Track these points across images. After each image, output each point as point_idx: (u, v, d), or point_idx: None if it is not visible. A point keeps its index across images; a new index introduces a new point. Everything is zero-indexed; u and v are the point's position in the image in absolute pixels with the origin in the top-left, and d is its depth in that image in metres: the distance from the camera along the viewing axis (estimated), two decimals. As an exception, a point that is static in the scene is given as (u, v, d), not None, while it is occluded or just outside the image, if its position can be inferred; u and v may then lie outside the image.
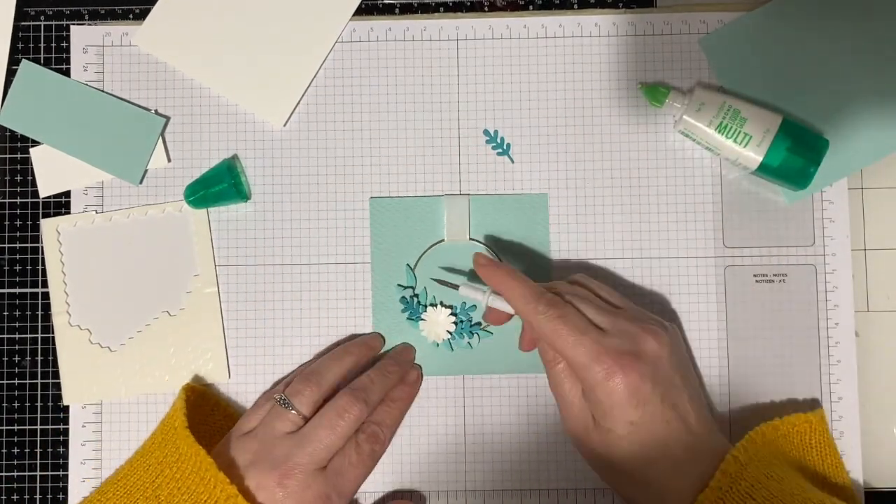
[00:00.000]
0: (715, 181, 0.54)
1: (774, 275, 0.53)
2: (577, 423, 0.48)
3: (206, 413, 0.52)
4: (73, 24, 0.55)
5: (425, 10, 0.55)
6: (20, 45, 0.55)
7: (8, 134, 0.55)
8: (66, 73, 0.55)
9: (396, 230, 0.54)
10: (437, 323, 0.53)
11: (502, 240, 0.53)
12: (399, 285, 0.53)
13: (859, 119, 0.53)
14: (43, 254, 0.54)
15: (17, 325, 0.54)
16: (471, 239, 0.53)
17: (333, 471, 0.47)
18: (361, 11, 0.55)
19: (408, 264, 0.53)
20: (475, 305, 0.53)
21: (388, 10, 0.55)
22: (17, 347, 0.54)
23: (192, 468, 0.46)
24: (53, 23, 0.55)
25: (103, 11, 0.55)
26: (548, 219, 0.53)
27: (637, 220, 0.54)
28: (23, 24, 0.55)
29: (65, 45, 0.55)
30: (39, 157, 0.54)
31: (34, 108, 0.54)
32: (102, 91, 0.54)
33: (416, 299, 0.53)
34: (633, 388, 0.45)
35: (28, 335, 0.54)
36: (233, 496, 0.44)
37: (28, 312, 0.54)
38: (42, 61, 0.55)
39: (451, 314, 0.53)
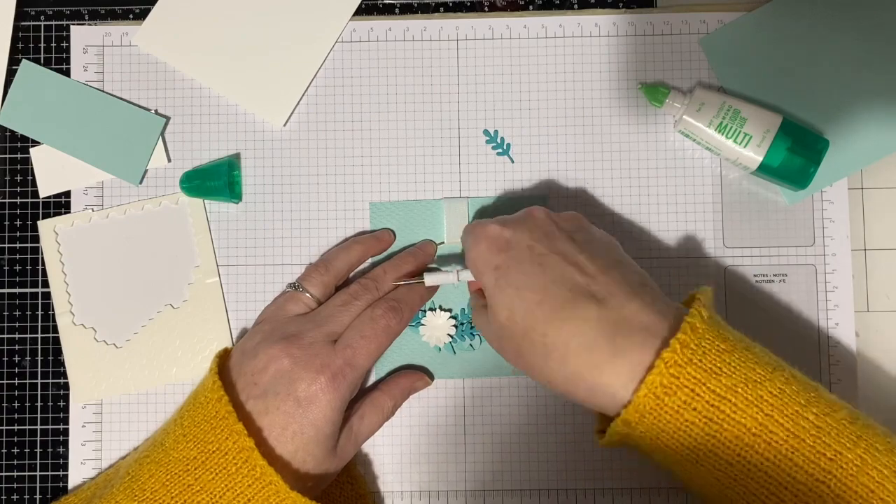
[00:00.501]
0: (715, 181, 0.54)
1: (774, 275, 0.53)
2: (489, 332, 0.47)
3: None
4: (73, 24, 0.55)
5: (425, 10, 0.55)
6: (20, 45, 0.55)
7: (8, 134, 0.55)
8: (67, 73, 0.55)
9: (397, 233, 0.54)
10: (437, 327, 0.53)
11: None
12: None
13: (859, 119, 0.53)
14: (42, 255, 0.54)
15: (17, 325, 0.54)
16: None
17: (343, 343, 0.47)
18: (361, 11, 0.55)
19: None
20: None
21: (388, 11, 0.55)
22: (17, 347, 0.54)
23: (231, 448, 0.45)
24: (53, 23, 0.55)
25: (103, 11, 0.55)
26: None
27: (637, 220, 0.54)
28: (23, 24, 0.55)
29: (65, 45, 0.55)
30: (39, 157, 0.54)
31: (34, 108, 0.54)
32: (102, 91, 0.54)
33: None
34: (490, 238, 0.45)
35: (28, 335, 0.54)
36: (275, 483, 0.44)
37: (28, 312, 0.54)
38: (42, 61, 0.55)
39: (451, 317, 0.53)
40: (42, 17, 0.55)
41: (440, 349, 0.53)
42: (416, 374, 0.52)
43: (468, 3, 0.55)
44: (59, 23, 0.55)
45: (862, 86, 0.53)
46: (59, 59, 0.55)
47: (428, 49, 0.55)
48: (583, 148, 0.54)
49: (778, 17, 0.54)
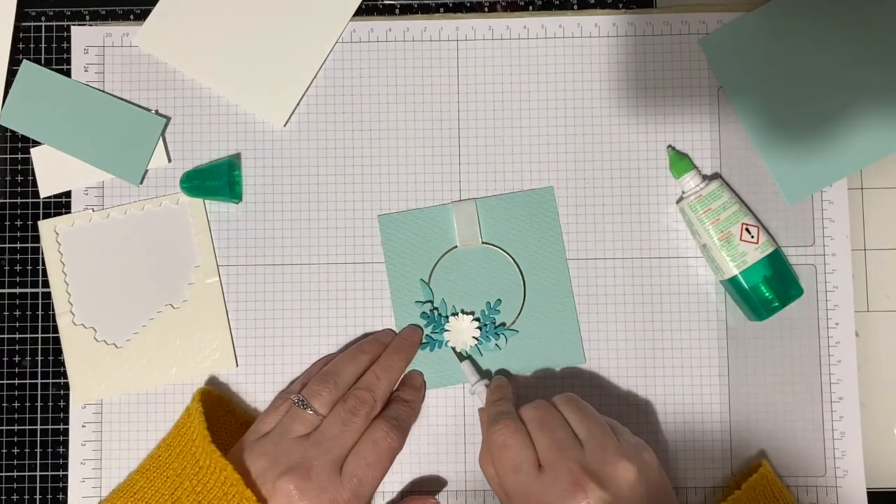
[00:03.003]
0: (715, 181, 0.54)
1: (774, 275, 0.53)
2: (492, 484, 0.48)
3: (221, 417, 0.52)
4: (74, 25, 0.55)
5: (425, 10, 0.55)
6: (21, 46, 0.55)
7: (9, 134, 0.55)
8: (67, 73, 0.55)
9: (408, 244, 0.53)
10: (462, 331, 0.53)
11: (514, 238, 0.53)
12: (417, 302, 0.53)
13: (859, 119, 0.53)
14: (43, 255, 0.54)
15: (17, 325, 0.54)
16: (483, 243, 0.53)
17: (349, 474, 0.47)
18: (362, 12, 0.55)
19: (422, 279, 0.53)
20: (498, 309, 0.53)
21: (388, 11, 0.55)
22: (17, 347, 0.54)
23: (214, 482, 0.45)
24: (54, 23, 0.55)
25: (104, 12, 0.55)
26: (557, 211, 0.53)
27: (637, 219, 0.54)
28: (24, 24, 0.55)
29: (66, 45, 0.55)
30: (40, 157, 0.54)
31: (35, 108, 0.54)
32: (103, 91, 0.54)
33: (436, 312, 0.53)
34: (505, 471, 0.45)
35: (28, 335, 0.54)
36: None
37: (28, 312, 0.54)
38: (43, 62, 0.55)
39: (475, 319, 0.53)
40: (43, 18, 0.55)
41: (467, 353, 0.53)
42: (423, 499, 0.51)
43: (468, 4, 0.55)
44: (60, 23, 0.55)
45: (862, 86, 0.53)
46: (59, 60, 0.55)
47: (428, 49, 0.55)
48: (582, 148, 0.54)
49: (777, 17, 0.54)
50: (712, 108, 0.54)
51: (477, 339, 0.53)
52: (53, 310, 0.53)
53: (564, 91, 0.54)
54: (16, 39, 0.55)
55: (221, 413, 0.52)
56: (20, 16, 0.55)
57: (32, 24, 0.55)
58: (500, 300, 0.53)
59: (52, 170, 0.54)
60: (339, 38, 0.55)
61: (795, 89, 0.53)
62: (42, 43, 0.55)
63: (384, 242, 0.54)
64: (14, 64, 0.55)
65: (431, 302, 0.53)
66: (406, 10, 0.55)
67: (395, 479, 0.52)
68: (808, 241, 0.53)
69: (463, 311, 0.53)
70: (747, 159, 0.54)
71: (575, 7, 0.55)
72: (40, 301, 0.54)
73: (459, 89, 0.54)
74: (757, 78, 0.53)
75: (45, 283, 0.54)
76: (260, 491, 0.45)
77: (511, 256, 0.53)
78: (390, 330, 0.53)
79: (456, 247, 0.53)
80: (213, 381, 0.53)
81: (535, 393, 0.53)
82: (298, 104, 0.54)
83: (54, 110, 0.54)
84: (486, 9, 0.55)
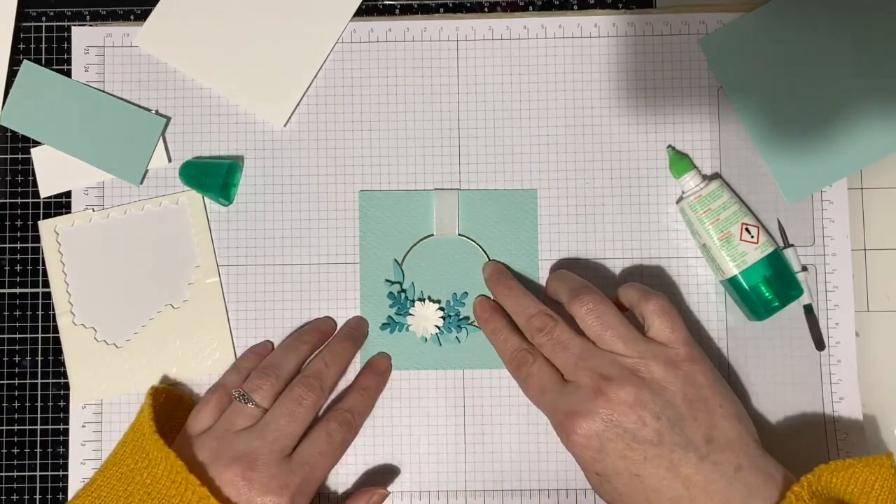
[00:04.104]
0: (715, 181, 0.54)
1: (774, 275, 0.53)
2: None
3: (170, 410, 0.51)
4: (75, 25, 0.55)
5: (425, 10, 0.55)
6: (21, 46, 0.55)
7: (9, 134, 0.55)
8: (68, 73, 0.55)
9: (385, 224, 0.54)
10: (425, 318, 0.53)
11: (491, 235, 0.53)
12: (387, 281, 0.53)
13: (859, 119, 0.53)
14: (43, 255, 0.54)
15: (17, 325, 0.54)
16: (460, 234, 0.53)
17: (301, 461, 0.47)
18: (362, 12, 0.55)
19: (395, 259, 0.53)
20: (463, 301, 0.53)
21: (388, 11, 0.55)
22: (17, 347, 0.54)
23: (162, 472, 0.45)
24: (55, 24, 0.55)
25: (104, 12, 0.55)
26: (537, 214, 0.54)
27: (637, 219, 0.54)
28: (24, 24, 0.55)
29: (66, 45, 0.55)
30: (40, 157, 0.54)
31: (35, 108, 0.54)
32: (103, 91, 0.54)
33: (403, 294, 0.53)
34: (579, 447, 0.45)
35: (28, 335, 0.54)
36: (205, 497, 0.43)
37: (28, 312, 0.54)
38: (43, 62, 0.55)
39: (440, 308, 0.53)
40: (43, 18, 0.55)
41: (426, 340, 0.53)
42: (371, 491, 0.50)
43: (468, 4, 0.55)
44: (61, 24, 0.55)
45: (861, 86, 0.53)
46: (60, 60, 0.55)
47: (428, 49, 0.55)
48: (582, 148, 0.54)
49: (777, 17, 0.54)
50: (712, 108, 0.54)
51: (439, 328, 0.53)
52: (53, 310, 0.54)
53: (564, 91, 0.54)
54: (16, 40, 0.55)
55: (181, 413, 0.52)
56: (21, 16, 0.55)
57: (33, 24, 0.55)
58: (466, 293, 0.53)
59: (52, 170, 0.54)
60: (339, 38, 0.55)
61: (795, 89, 0.53)
62: (42, 43, 0.55)
63: (362, 218, 0.54)
64: (14, 64, 0.55)
65: (401, 284, 0.53)
66: (406, 10, 0.55)
67: (396, 479, 0.52)
68: (808, 241, 0.53)
69: (430, 299, 0.53)
70: (747, 159, 0.54)
71: (575, 7, 0.55)
72: (40, 301, 0.54)
73: (459, 89, 0.55)
74: (757, 78, 0.53)
75: (45, 283, 0.54)
76: (209, 483, 0.45)
77: (485, 251, 0.53)
78: (329, 318, 0.53)
79: (432, 234, 0.54)
80: (210, 382, 0.53)
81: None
82: (298, 104, 0.54)
83: (55, 110, 0.54)
84: (486, 9, 0.55)
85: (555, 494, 0.52)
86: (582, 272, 0.53)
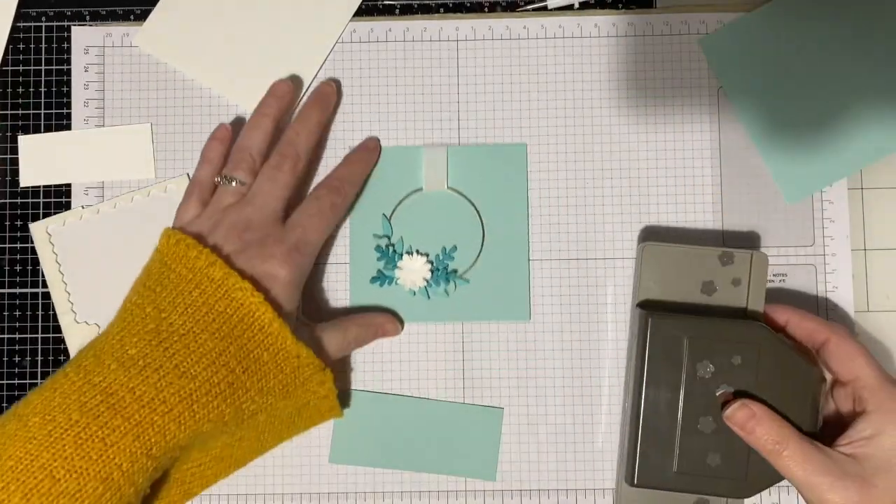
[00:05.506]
0: (715, 181, 0.54)
1: (774, 275, 0.53)
2: None
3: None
4: (74, 25, 0.55)
5: (425, 10, 0.55)
6: (21, 46, 0.55)
7: (8, 135, 0.55)
8: (68, 73, 0.55)
9: (374, 178, 0.54)
10: (413, 271, 0.53)
11: (481, 190, 0.54)
12: (375, 235, 0.53)
13: (859, 119, 0.53)
14: (38, 256, 0.54)
15: (17, 325, 0.54)
16: (449, 188, 0.54)
17: (293, 224, 0.48)
18: (362, 12, 0.55)
19: (383, 214, 0.53)
20: (452, 255, 0.53)
21: (388, 11, 0.55)
22: (17, 347, 0.54)
23: (167, 246, 0.46)
24: (54, 23, 0.55)
25: (104, 12, 0.55)
26: (526, 168, 0.54)
27: (637, 220, 0.54)
28: (24, 24, 0.55)
29: (66, 45, 0.55)
30: (27, 146, 0.54)
31: None
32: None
33: (391, 248, 0.53)
34: None
35: (28, 335, 0.54)
36: (211, 259, 0.44)
37: (28, 312, 0.54)
38: (43, 62, 0.55)
39: (427, 262, 0.53)
40: (43, 18, 0.55)
41: (414, 293, 0.53)
42: (389, 317, 0.52)
43: (468, 4, 0.55)
44: (60, 24, 0.55)
45: (862, 86, 0.53)
46: (59, 60, 0.55)
47: (428, 49, 0.55)
48: (582, 148, 0.54)
49: (777, 17, 0.54)
50: (712, 108, 0.54)
51: (427, 280, 0.53)
52: (53, 310, 0.53)
53: (564, 91, 0.54)
54: (16, 40, 0.55)
55: None
56: (20, 16, 0.55)
57: (32, 24, 0.55)
58: (455, 247, 0.53)
59: (36, 161, 0.54)
60: (339, 38, 0.55)
61: (795, 89, 0.53)
62: (42, 43, 0.55)
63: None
64: (15, 64, 0.55)
65: (389, 237, 0.53)
66: (406, 10, 0.55)
67: (395, 479, 0.52)
68: (808, 241, 0.53)
69: (418, 252, 0.53)
70: (747, 159, 0.54)
71: (575, 7, 0.55)
72: (40, 301, 0.54)
73: (459, 89, 0.55)
74: (757, 78, 0.53)
75: (45, 283, 0.54)
76: (208, 245, 0.46)
77: (474, 206, 0.53)
78: (282, 80, 0.52)
79: (422, 189, 0.54)
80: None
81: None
82: (299, 104, 0.54)
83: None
84: (486, 9, 0.55)
85: (555, 494, 0.52)
86: (582, 272, 0.53)
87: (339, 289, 0.54)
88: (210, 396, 0.43)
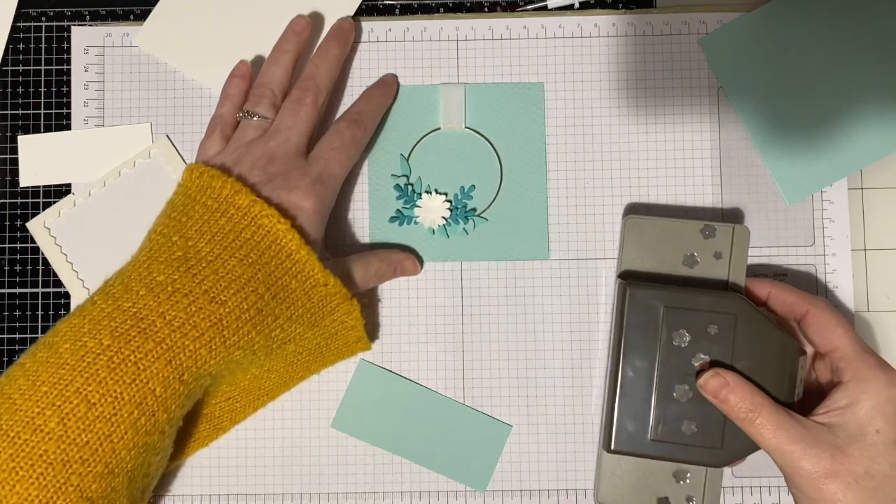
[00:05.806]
0: (715, 182, 0.54)
1: (774, 275, 0.53)
2: None
3: None
4: (74, 25, 0.55)
5: (425, 10, 0.55)
6: (21, 46, 0.55)
7: (8, 135, 0.55)
8: (67, 73, 0.55)
9: (392, 119, 0.54)
10: (433, 209, 0.53)
11: (499, 129, 0.54)
12: (393, 174, 0.54)
13: (859, 119, 0.53)
14: (43, 254, 0.54)
15: (17, 325, 0.54)
16: (467, 127, 0.54)
17: (315, 157, 0.48)
18: (361, 12, 0.55)
19: (401, 154, 0.54)
20: (471, 194, 0.53)
21: (388, 11, 0.55)
22: (17, 347, 0.54)
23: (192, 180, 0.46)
24: (54, 23, 0.55)
25: (104, 12, 0.55)
26: (544, 107, 0.54)
27: (637, 220, 0.54)
28: (24, 24, 0.55)
29: (66, 45, 0.55)
30: (27, 145, 0.54)
31: None
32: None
33: (410, 187, 0.53)
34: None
35: (28, 335, 0.54)
36: (238, 188, 0.44)
37: (28, 312, 0.54)
38: (42, 62, 0.55)
39: (446, 200, 0.53)
40: (43, 18, 0.55)
41: (434, 232, 0.53)
42: (409, 255, 0.52)
43: (468, 4, 0.55)
44: (60, 24, 0.55)
45: (861, 86, 0.53)
46: (59, 60, 0.55)
47: (428, 49, 0.55)
48: (582, 148, 0.54)
49: (777, 17, 0.54)
50: (712, 108, 0.54)
51: (446, 219, 0.53)
52: (53, 310, 0.53)
53: (564, 91, 0.54)
54: (16, 40, 0.55)
55: None
56: (20, 16, 0.55)
57: (32, 24, 0.55)
58: (474, 186, 0.53)
59: (36, 161, 0.54)
60: (339, 38, 0.55)
61: (795, 89, 0.53)
62: (42, 43, 0.55)
63: None
64: (14, 64, 0.55)
65: (407, 177, 0.54)
66: (406, 10, 0.55)
67: (396, 480, 0.52)
68: (808, 241, 0.53)
69: (437, 191, 0.53)
70: (747, 159, 0.54)
71: (575, 7, 0.55)
72: (40, 301, 0.54)
73: (459, 89, 0.55)
74: (757, 78, 0.53)
75: (45, 283, 0.54)
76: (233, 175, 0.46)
77: (492, 145, 0.54)
78: (299, 15, 0.53)
79: (439, 128, 0.54)
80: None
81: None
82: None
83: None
84: (486, 9, 0.55)
85: (555, 494, 0.52)
86: (581, 272, 0.53)
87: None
88: (240, 322, 0.42)
